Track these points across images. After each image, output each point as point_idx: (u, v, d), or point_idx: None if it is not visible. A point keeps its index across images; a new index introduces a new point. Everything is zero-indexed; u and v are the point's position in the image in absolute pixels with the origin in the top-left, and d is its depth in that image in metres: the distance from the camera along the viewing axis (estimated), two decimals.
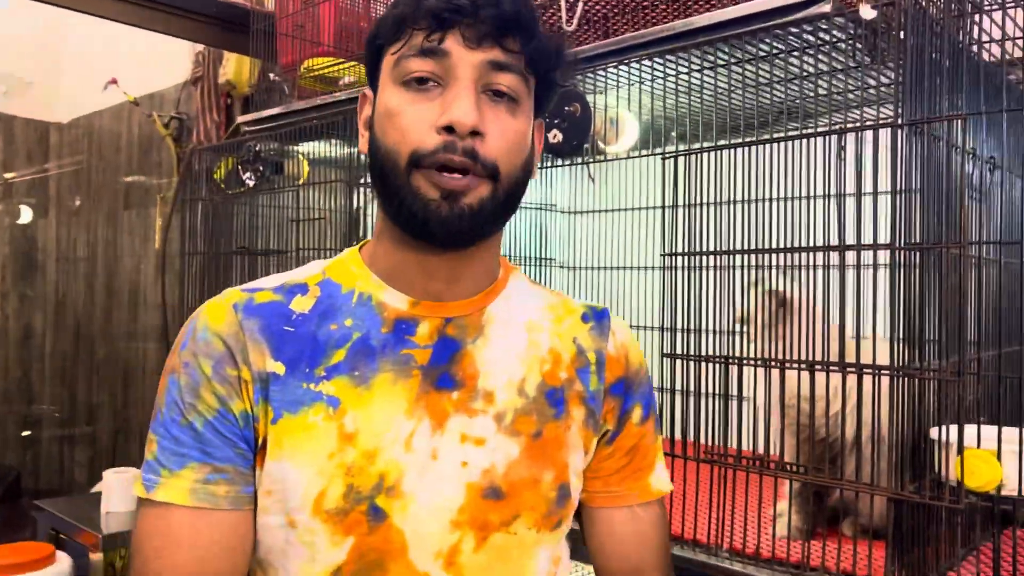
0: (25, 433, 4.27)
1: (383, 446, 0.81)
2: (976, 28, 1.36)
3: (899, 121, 1.07)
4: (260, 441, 0.81)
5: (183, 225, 2.49)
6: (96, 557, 2.38)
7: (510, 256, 2.26)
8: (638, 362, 0.96)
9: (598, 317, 0.95)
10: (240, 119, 2.21)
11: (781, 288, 1.30)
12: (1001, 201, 1.36)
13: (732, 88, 1.30)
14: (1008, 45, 1.39)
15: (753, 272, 1.26)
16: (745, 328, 1.35)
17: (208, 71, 3.44)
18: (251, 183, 2.06)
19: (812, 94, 1.31)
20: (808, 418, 1.28)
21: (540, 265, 2.37)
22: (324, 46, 2.19)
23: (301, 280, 0.88)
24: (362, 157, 2.08)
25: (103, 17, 2.39)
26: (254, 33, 2.24)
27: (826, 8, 1.14)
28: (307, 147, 2.19)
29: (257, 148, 2.04)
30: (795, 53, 1.27)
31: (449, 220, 0.79)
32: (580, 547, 0.99)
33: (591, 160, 1.50)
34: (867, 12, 1.10)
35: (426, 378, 0.84)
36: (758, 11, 1.21)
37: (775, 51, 1.26)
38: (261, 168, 2.05)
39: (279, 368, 0.81)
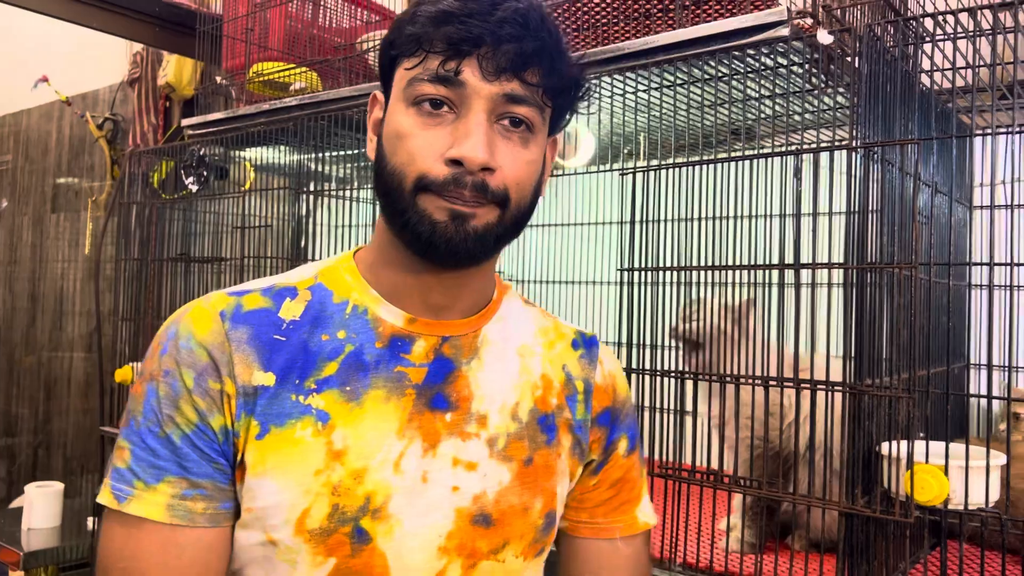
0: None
1: (372, 466, 0.78)
2: (925, 58, 1.42)
3: (854, 144, 1.10)
4: (239, 456, 0.77)
5: (117, 230, 2.41)
6: (17, 575, 2.28)
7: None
8: (624, 392, 0.95)
9: (587, 345, 0.94)
10: (184, 122, 2.15)
11: (735, 301, 1.32)
12: (942, 224, 1.41)
13: (691, 107, 1.32)
14: (953, 74, 1.45)
15: (708, 288, 1.27)
16: (685, 344, 1.36)
17: (146, 72, 3.35)
18: (194, 188, 2.01)
19: (769, 115, 1.34)
20: (762, 433, 1.29)
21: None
22: (273, 51, 2.15)
23: (292, 283, 0.84)
24: (309, 165, 2.05)
25: (41, 12, 2.30)
26: (200, 35, 2.19)
27: (783, 32, 1.17)
28: (253, 153, 2.14)
29: (201, 152, 1.99)
30: (752, 75, 1.30)
31: (455, 241, 0.77)
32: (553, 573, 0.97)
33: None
34: (824, 37, 1.13)
35: (420, 398, 0.81)
36: (717, 32, 1.23)
37: (732, 72, 1.29)
38: (205, 173, 1.99)
39: (268, 379, 0.78)
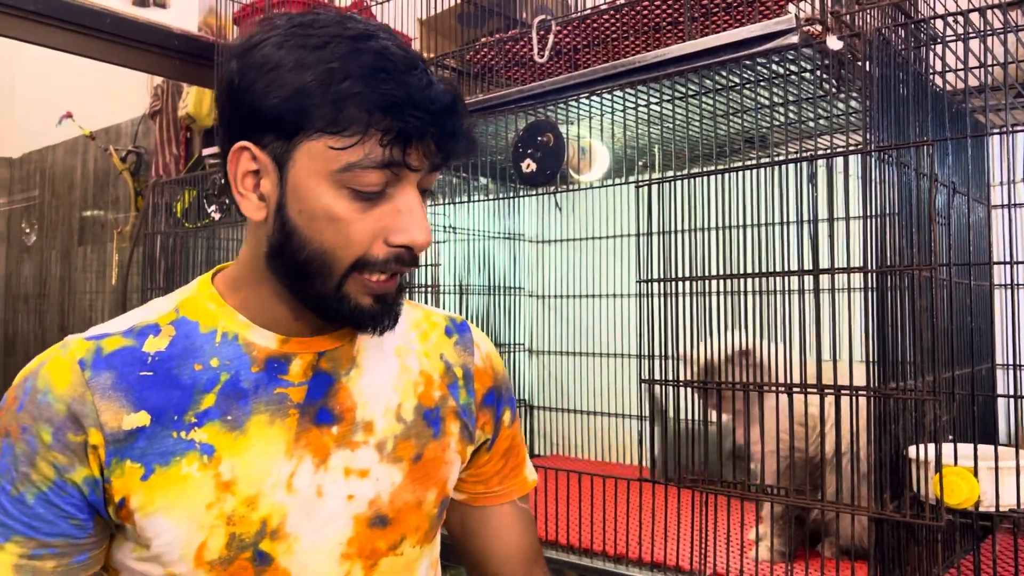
0: None
1: (264, 491, 0.78)
2: (936, 58, 1.42)
3: (868, 147, 1.10)
4: (119, 501, 0.75)
5: (143, 260, 2.45)
6: None
7: (490, 286, 2.27)
8: (501, 369, 0.99)
9: (460, 330, 0.96)
10: (205, 152, 2.18)
11: (746, 344, 1.32)
12: (962, 225, 1.40)
13: (703, 117, 1.33)
14: (965, 74, 1.44)
15: (728, 298, 1.27)
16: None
17: (167, 104, 3.41)
18: (217, 216, 2.04)
19: (782, 122, 1.34)
20: (791, 441, 1.29)
21: (508, 294, 2.37)
22: None
23: (152, 320, 0.82)
24: None
25: (64, 50, 2.36)
26: (218, 66, 2.22)
27: (793, 40, 1.17)
28: None
29: (222, 181, 2.02)
30: (764, 83, 1.30)
31: (380, 321, 0.80)
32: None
33: (559, 190, 1.51)
34: (834, 43, 1.13)
35: (304, 416, 0.81)
36: (727, 43, 1.24)
37: (744, 81, 1.29)
38: (227, 201, 2.02)
39: (142, 420, 0.76)
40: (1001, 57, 1.43)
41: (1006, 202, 1.59)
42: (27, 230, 4.46)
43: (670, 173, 1.31)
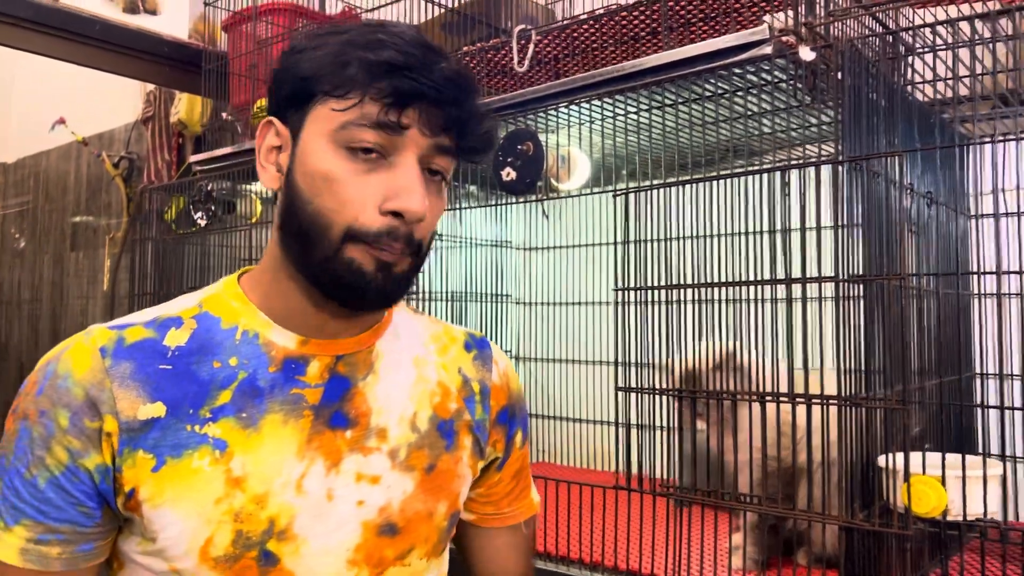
0: None
1: (273, 490, 0.78)
2: (909, 69, 1.43)
3: (839, 157, 1.11)
4: (129, 491, 0.76)
5: (132, 266, 2.45)
6: None
7: (466, 293, 2.27)
8: (517, 389, 0.98)
9: (479, 346, 0.96)
10: (192, 159, 2.19)
11: (726, 347, 1.32)
12: (940, 234, 1.41)
13: (679, 127, 1.34)
14: (940, 86, 1.45)
15: (704, 307, 1.28)
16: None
17: (159, 110, 3.42)
18: (203, 223, 2.04)
19: (757, 132, 1.35)
20: (768, 450, 1.29)
21: (495, 301, 2.38)
22: None
23: (175, 313, 0.83)
24: None
25: (54, 57, 2.37)
26: (206, 73, 2.24)
27: (767, 50, 1.18)
28: (260, 186, 2.18)
29: (209, 188, 2.03)
30: (740, 93, 1.31)
31: (386, 290, 0.78)
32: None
33: (545, 198, 1.52)
34: (806, 54, 1.14)
35: (318, 418, 0.82)
36: (703, 53, 1.25)
37: (720, 91, 1.30)
38: (213, 208, 2.03)
39: (158, 411, 0.77)
40: (979, 68, 1.45)
41: (987, 212, 1.60)
42: (16, 235, 4.46)
43: (646, 182, 1.32)
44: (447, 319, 2.21)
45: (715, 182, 1.25)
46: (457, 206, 2.10)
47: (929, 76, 1.43)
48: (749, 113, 1.39)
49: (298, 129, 0.79)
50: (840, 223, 1.11)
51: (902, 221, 1.11)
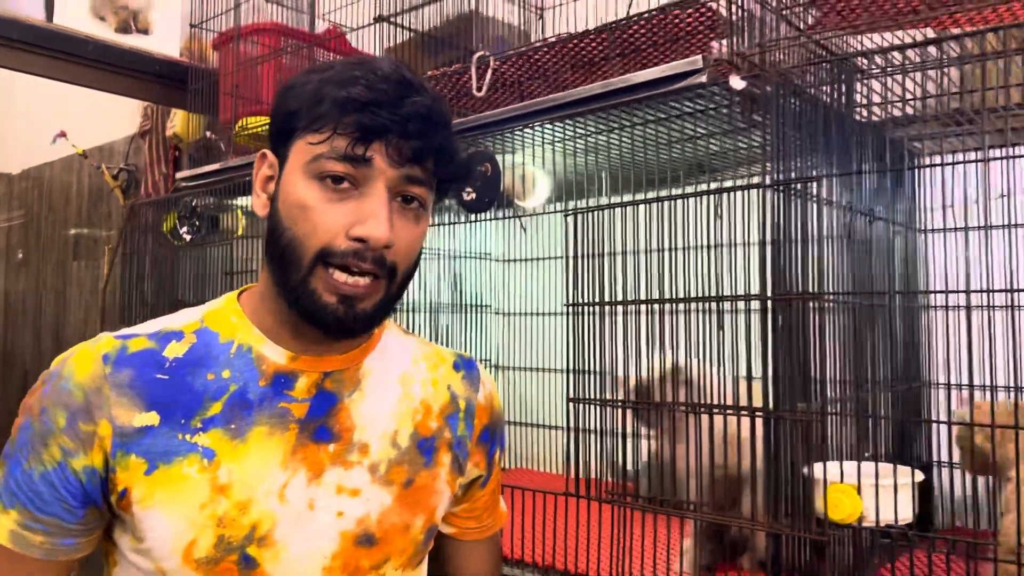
0: None
1: (256, 497, 0.83)
2: (860, 92, 1.48)
3: (766, 181, 1.17)
4: (122, 491, 0.82)
5: (127, 277, 2.53)
6: None
7: (458, 304, 2.35)
8: (499, 408, 1.04)
9: (467, 367, 1.01)
10: (178, 175, 2.27)
11: (676, 361, 1.38)
12: (882, 250, 1.47)
13: (630, 149, 1.40)
14: (890, 107, 1.51)
15: (648, 321, 1.34)
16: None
17: (157, 124, 3.50)
18: (188, 237, 2.12)
19: (704, 153, 1.41)
20: (713, 459, 1.35)
21: (476, 312, 2.44)
22: (266, 104, 2.26)
23: (177, 327, 0.88)
24: None
25: (50, 77, 2.45)
26: (192, 92, 2.31)
27: (702, 79, 1.24)
28: (244, 201, 2.25)
29: (194, 203, 2.10)
30: (686, 117, 1.37)
31: (344, 322, 0.83)
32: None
33: (504, 216, 1.58)
34: (736, 83, 1.20)
35: (303, 431, 0.86)
36: (646, 80, 1.31)
37: (665, 115, 1.37)
38: (197, 223, 2.10)
39: (152, 419, 0.82)
40: (932, 90, 1.51)
41: (936, 227, 1.65)
42: (19, 249, 4.56)
43: (596, 202, 1.38)
44: (430, 329, 2.27)
45: (655, 204, 1.31)
46: (439, 221, 2.17)
47: (882, 99, 1.48)
48: (697, 136, 1.45)
49: (283, 161, 0.86)
50: (766, 242, 1.17)
51: (821, 240, 1.17)
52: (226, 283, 1.96)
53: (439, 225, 2.13)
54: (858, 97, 1.48)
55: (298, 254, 0.82)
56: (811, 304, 1.16)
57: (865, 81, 1.47)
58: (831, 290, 1.21)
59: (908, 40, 1.36)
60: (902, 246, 1.56)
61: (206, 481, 0.82)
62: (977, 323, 1.27)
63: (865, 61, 1.42)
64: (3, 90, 4.61)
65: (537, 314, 2.38)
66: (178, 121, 3.23)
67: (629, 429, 1.44)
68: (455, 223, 2.17)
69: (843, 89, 1.44)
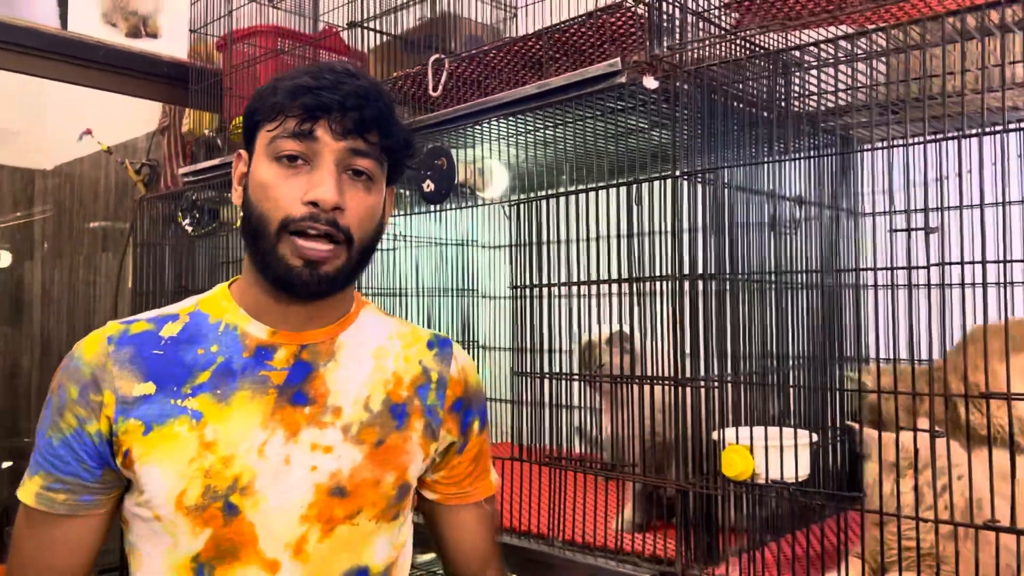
0: (6, 464, 4.46)
1: (239, 453, 0.95)
2: (797, 83, 1.58)
3: (676, 173, 1.29)
4: (124, 451, 0.95)
5: (145, 267, 2.72)
6: None
7: (471, 288, 2.47)
8: (476, 382, 1.14)
9: (441, 345, 1.13)
10: (180, 171, 2.44)
11: (622, 327, 1.51)
12: (810, 233, 1.57)
13: (564, 142, 1.52)
14: (829, 98, 1.61)
15: (584, 301, 1.46)
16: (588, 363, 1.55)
17: (174, 120, 3.68)
18: (190, 229, 2.29)
19: (636, 147, 1.53)
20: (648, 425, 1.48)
21: (464, 296, 2.58)
22: None
23: (174, 311, 1.04)
24: None
25: (64, 81, 2.64)
26: (192, 92, 2.47)
27: (622, 80, 1.36)
28: None
29: (194, 197, 2.27)
30: (614, 114, 1.49)
31: (310, 283, 0.96)
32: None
33: (509, 201, 1.70)
34: (650, 83, 1.32)
35: (281, 395, 0.99)
36: (572, 81, 1.43)
37: (597, 113, 1.48)
38: (198, 215, 2.27)
39: (149, 388, 0.96)
40: (865, 80, 1.60)
41: (867, 211, 1.75)
42: (44, 241, 4.80)
43: (534, 193, 1.51)
44: (422, 313, 2.42)
45: (586, 193, 1.43)
46: (429, 209, 2.31)
47: (823, 89, 1.58)
48: (634, 131, 1.56)
49: (252, 154, 1.01)
50: (677, 229, 1.29)
51: (729, 224, 1.28)
52: (237, 270, 2.11)
53: (428, 212, 2.27)
54: (796, 90, 1.58)
55: (265, 226, 0.96)
56: (711, 284, 1.27)
57: (801, 74, 1.57)
58: (742, 271, 1.32)
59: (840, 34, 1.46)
60: (833, 229, 1.66)
61: (195, 438, 0.95)
62: (904, 301, 1.38)
63: (798, 54, 1.52)
64: (34, 92, 4.84)
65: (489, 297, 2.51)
66: (192, 117, 3.41)
67: (576, 401, 1.57)
68: (445, 210, 2.30)
69: (780, 83, 1.54)
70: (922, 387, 1.15)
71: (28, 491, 0.97)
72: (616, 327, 1.51)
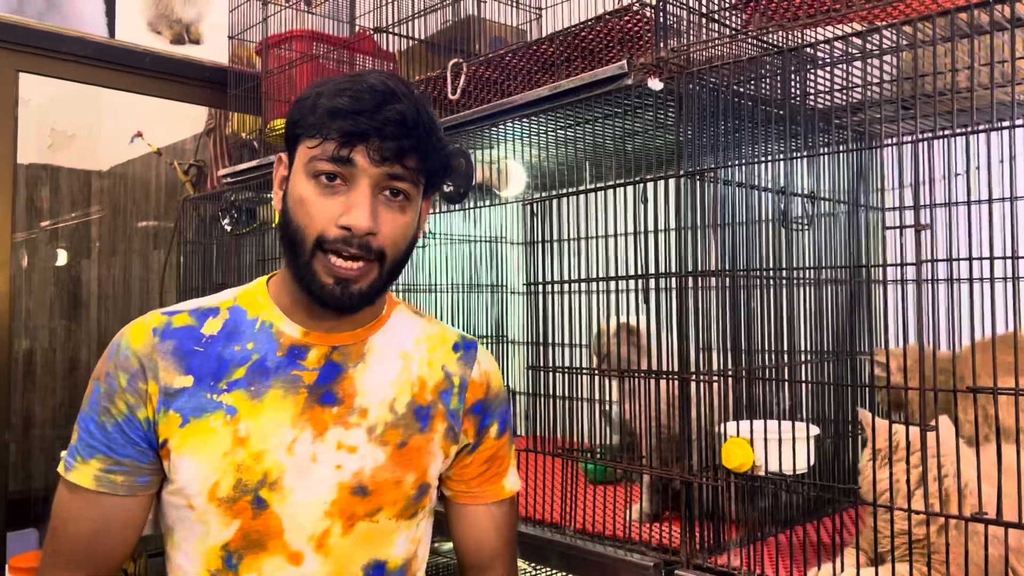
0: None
1: (269, 449, 0.99)
2: (813, 80, 1.60)
3: (679, 172, 1.32)
4: (163, 441, 0.99)
5: (185, 265, 2.83)
6: None
7: (502, 284, 2.53)
8: (497, 387, 1.16)
9: (467, 347, 1.15)
10: (219, 172, 2.54)
11: (629, 320, 1.54)
12: (826, 229, 1.59)
13: (576, 141, 1.56)
14: (846, 94, 1.62)
15: (592, 298, 1.51)
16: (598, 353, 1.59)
17: (219, 123, 3.81)
18: (229, 228, 2.38)
19: (649, 146, 1.56)
20: (660, 419, 1.51)
21: (495, 291, 2.63)
22: None
23: (215, 304, 1.06)
24: None
25: (113, 88, 2.76)
26: (231, 96, 2.57)
27: (629, 82, 1.39)
28: None
29: (232, 198, 2.36)
30: (625, 115, 1.53)
31: (341, 301, 0.99)
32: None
33: (522, 200, 1.75)
34: (655, 84, 1.35)
35: (311, 395, 1.02)
36: (585, 83, 1.47)
37: (609, 113, 1.52)
38: (235, 214, 2.36)
39: (188, 381, 1.00)
40: (879, 76, 1.60)
41: (889, 207, 1.75)
42: (95, 238, 4.99)
43: (549, 192, 1.56)
44: (452, 309, 2.48)
45: (595, 193, 1.47)
46: (463, 207, 2.37)
47: (829, 87, 1.59)
48: (645, 131, 1.60)
49: (292, 162, 1.02)
50: (682, 227, 1.32)
51: (733, 221, 1.31)
52: (276, 267, 2.18)
53: (463, 210, 2.33)
54: (811, 87, 1.59)
55: (300, 241, 0.98)
56: (716, 280, 1.30)
57: (816, 71, 1.58)
58: (747, 267, 1.35)
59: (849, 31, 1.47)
60: (850, 224, 1.67)
61: (228, 433, 0.99)
62: (913, 295, 1.39)
63: (812, 51, 1.54)
64: (89, 96, 5.03)
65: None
66: (235, 120, 3.52)
67: (593, 394, 1.61)
68: (476, 208, 2.36)
69: (793, 80, 1.56)
70: (942, 381, 1.16)
71: (84, 474, 1.00)
72: (624, 317, 1.55)
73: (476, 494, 1.15)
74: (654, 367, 1.44)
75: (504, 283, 2.67)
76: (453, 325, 2.50)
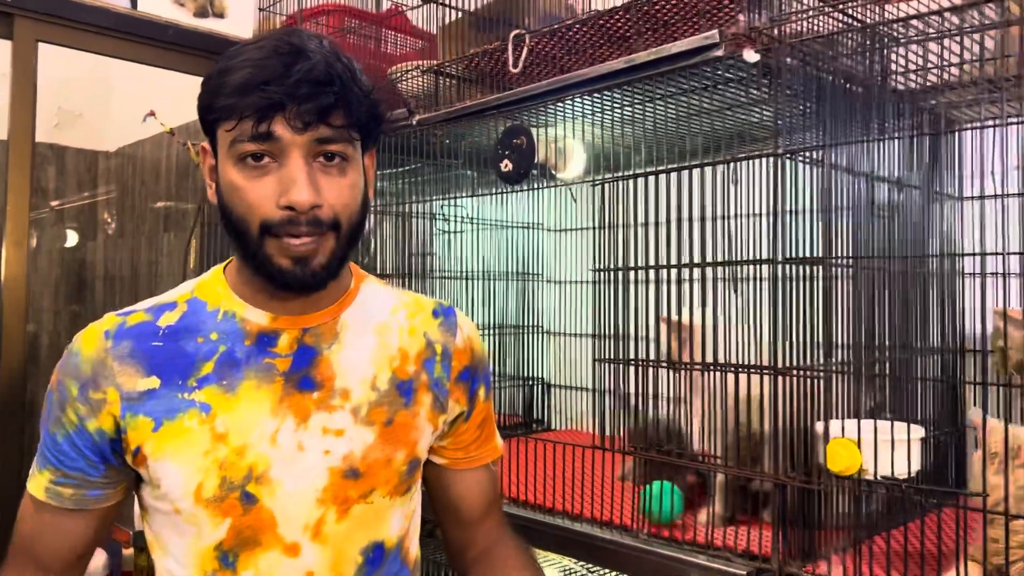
0: None
1: (251, 442, 0.95)
2: (895, 59, 1.50)
3: (777, 151, 1.22)
4: (135, 448, 0.94)
5: (204, 248, 2.73)
6: (129, 552, 2.60)
7: (528, 272, 2.44)
8: (480, 350, 1.13)
9: (446, 314, 1.11)
10: None
11: (679, 317, 1.45)
12: (911, 217, 1.49)
13: (656, 121, 1.46)
14: (928, 75, 1.52)
15: (665, 287, 1.41)
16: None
17: None
18: None
19: (734, 125, 1.46)
20: (734, 417, 1.42)
21: (528, 280, 2.54)
22: None
23: (171, 299, 1.01)
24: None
25: (134, 61, 2.67)
26: None
27: (719, 52, 1.29)
28: None
29: None
30: (708, 91, 1.43)
31: (304, 280, 0.93)
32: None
33: (542, 186, 1.67)
34: (750, 56, 1.25)
35: (288, 382, 0.97)
36: (668, 55, 1.37)
37: (688, 88, 1.42)
38: None
39: (153, 383, 0.95)
40: (966, 56, 1.51)
41: (973, 195, 1.65)
42: (108, 220, 4.87)
43: (622, 173, 1.45)
44: (481, 297, 2.38)
45: (678, 173, 1.37)
46: (493, 191, 2.27)
47: (916, 67, 1.50)
48: (727, 107, 1.50)
49: (216, 151, 0.95)
50: (778, 210, 1.22)
51: (832, 206, 1.21)
52: None
53: (492, 195, 2.23)
54: (894, 66, 1.49)
55: (245, 231, 0.91)
56: (816, 269, 1.21)
57: (898, 50, 1.48)
58: (842, 255, 1.25)
59: (936, 7, 1.37)
60: (936, 213, 1.58)
61: (206, 431, 0.94)
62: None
63: (902, 29, 1.44)
64: (100, 75, 4.91)
65: (585, 282, 2.46)
66: None
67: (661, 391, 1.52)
68: (506, 192, 2.26)
69: (875, 58, 1.46)
70: None
71: (38, 484, 0.98)
72: (700, 312, 1.45)
73: (474, 458, 1.15)
74: (708, 360, 1.34)
75: (538, 272, 2.57)
76: (485, 314, 2.44)
